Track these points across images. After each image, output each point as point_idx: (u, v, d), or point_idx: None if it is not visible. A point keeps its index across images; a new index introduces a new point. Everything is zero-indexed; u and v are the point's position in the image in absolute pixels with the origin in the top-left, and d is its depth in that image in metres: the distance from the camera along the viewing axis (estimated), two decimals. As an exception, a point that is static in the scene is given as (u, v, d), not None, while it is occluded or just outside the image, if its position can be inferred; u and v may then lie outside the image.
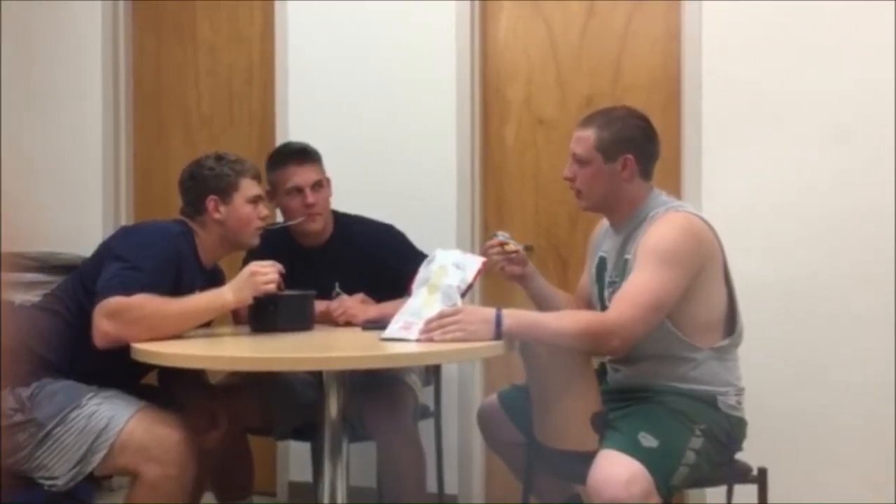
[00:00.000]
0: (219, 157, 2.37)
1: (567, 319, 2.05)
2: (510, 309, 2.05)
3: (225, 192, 2.32)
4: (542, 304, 2.32)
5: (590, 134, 2.14)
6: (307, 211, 2.57)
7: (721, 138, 2.79)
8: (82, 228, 3.37)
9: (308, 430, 2.47)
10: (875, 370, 2.63)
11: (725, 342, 2.12)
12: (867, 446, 2.63)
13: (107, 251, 2.25)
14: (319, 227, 2.61)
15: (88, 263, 2.29)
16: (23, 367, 2.03)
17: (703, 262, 2.06)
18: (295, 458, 3.24)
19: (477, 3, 3.10)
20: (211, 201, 2.32)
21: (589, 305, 2.31)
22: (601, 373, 2.23)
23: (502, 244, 2.28)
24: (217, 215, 2.32)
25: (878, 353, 2.62)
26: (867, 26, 2.65)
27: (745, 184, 2.76)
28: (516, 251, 2.29)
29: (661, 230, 2.04)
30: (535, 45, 3.08)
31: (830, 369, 2.68)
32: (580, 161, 2.16)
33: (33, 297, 2.34)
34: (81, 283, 2.24)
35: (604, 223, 2.30)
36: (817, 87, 2.69)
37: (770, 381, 2.60)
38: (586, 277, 2.36)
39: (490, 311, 2.03)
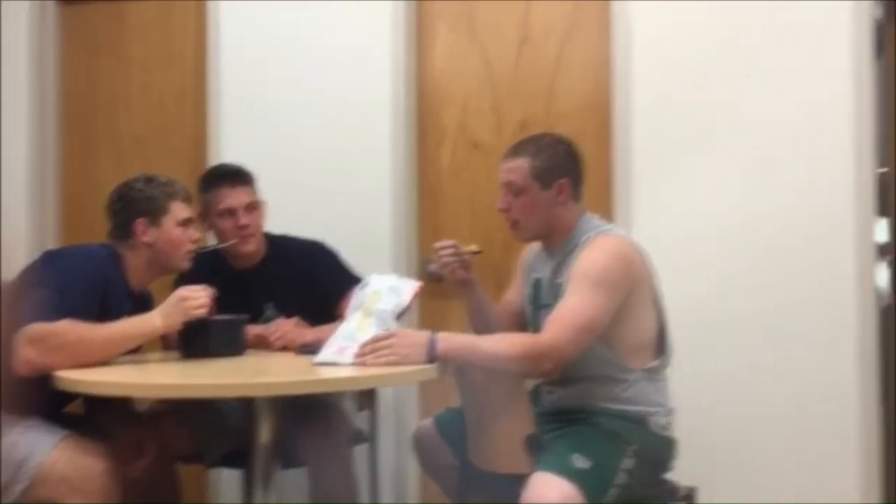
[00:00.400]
0: (148, 179, 2.34)
1: (501, 342, 2.06)
2: (444, 332, 2.06)
3: (154, 214, 2.28)
4: (478, 314, 2.33)
5: (523, 163, 2.17)
6: (240, 233, 2.55)
7: (652, 165, 2.84)
8: (5, 252, 3.26)
9: (240, 456, 2.42)
10: (800, 389, 2.70)
11: (656, 363, 2.16)
12: (793, 466, 2.70)
13: (30, 276, 2.18)
14: (252, 248, 2.59)
15: (11, 289, 2.22)
16: None
17: (633, 286, 2.10)
18: (227, 485, 3.17)
19: (413, 28, 3.12)
20: (139, 224, 2.28)
21: (514, 321, 2.33)
22: (535, 395, 2.25)
23: (455, 246, 2.27)
24: (146, 238, 2.28)
25: (804, 373, 2.70)
26: (794, 57, 2.74)
27: (674, 210, 2.82)
28: (479, 252, 2.28)
29: (593, 254, 2.08)
30: (470, 70, 3.12)
31: (757, 389, 2.74)
32: (516, 190, 2.17)
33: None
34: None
35: (535, 245, 2.32)
36: (745, 116, 2.77)
37: (699, 402, 2.65)
38: (513, 294, 2.38)
39: (424, 335, 2.03)
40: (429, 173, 3.15)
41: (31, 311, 2.03)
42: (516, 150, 2.21)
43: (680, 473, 2.19)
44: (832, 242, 2.69)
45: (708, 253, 2.79)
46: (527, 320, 2.30)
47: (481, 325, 2.31)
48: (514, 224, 2.21)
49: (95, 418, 2.27)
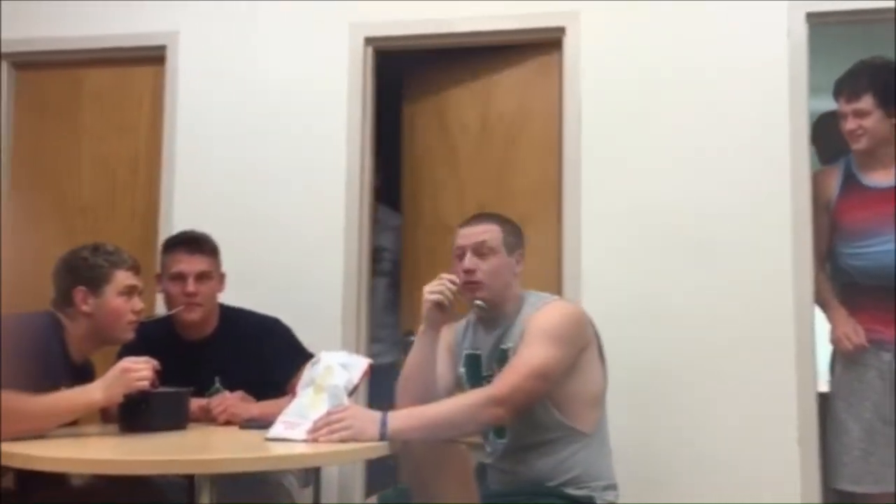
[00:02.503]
0: (95, 248, 2.31)
1: (452, 401, 2.08)
2: (394, 411, 2.04)
3: (95, 283, 2.24)
4: (424, 371, 2.22)
5: (494, 227, 2.26)
6: (186, 300, 2.51)
7: (600, 239, 2.93)
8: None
9: (178, 535, 2.33)
10: (743, 446, 2.78)
11: (600, 422, 2.21)
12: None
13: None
14: (197, 317, 2.54)
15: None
16: None
17: (584, 344, 2.18)
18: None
19: (369, 105, 3.16)
20: (79, 292, 2.24)
21: (447, 394, 2.29)
22: (480, 474, 2.22)
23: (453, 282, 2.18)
24: (85, 307, 2.24)
25: (742, 429, 2.79)
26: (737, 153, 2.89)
27: (619, 284, 2.90)
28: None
29: (548, 313, 2.17)
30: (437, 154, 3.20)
31: (697, 444, 2.80)
32: (485, 251, 2.21)
33: None
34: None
35: (459, 322, 2.35)
36: (681, 201, 2.90)
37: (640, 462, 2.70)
38: (443, 370, 2.30)
39: (376, 412, 2.01)
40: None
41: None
42: (481, 218, 2.30)
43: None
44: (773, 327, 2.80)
45: (646, 320, 2.86)
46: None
47: (420, 383, 2.22)
48: (478, 286, 2.21)
49: (28, 494, 2.18)
